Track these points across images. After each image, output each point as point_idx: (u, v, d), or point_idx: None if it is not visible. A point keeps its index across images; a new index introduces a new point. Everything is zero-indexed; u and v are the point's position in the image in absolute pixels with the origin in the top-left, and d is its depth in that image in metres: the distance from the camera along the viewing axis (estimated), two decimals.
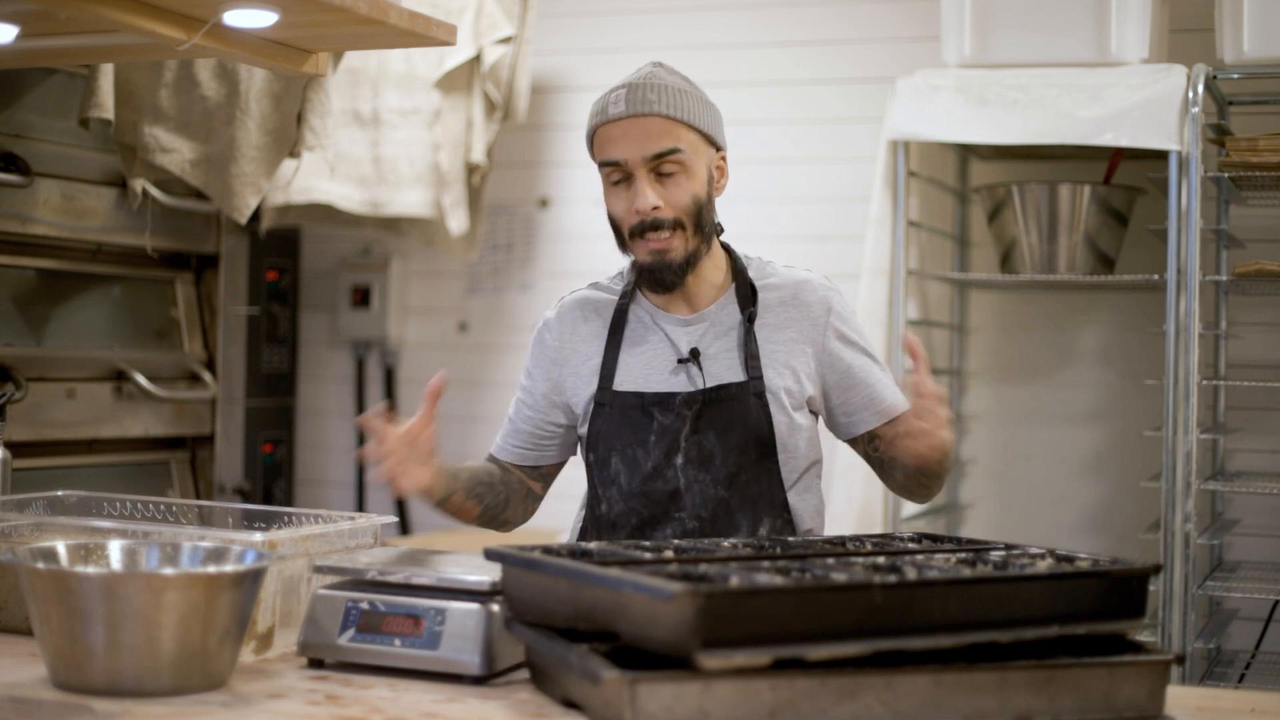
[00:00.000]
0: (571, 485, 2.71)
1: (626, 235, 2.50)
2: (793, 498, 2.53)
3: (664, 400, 2.49)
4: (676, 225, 2.47)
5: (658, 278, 2.50)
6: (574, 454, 2.67)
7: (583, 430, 2.56)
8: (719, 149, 2.56)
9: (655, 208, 2.45)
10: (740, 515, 2.49)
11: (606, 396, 2.53)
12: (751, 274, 2.58)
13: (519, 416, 2.63)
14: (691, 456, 2.48)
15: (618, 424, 2.51)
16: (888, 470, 2.58)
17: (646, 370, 2.53)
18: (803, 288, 2.57)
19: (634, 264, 2.56)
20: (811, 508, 2.58)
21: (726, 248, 2.61)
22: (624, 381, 2.53)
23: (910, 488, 2.55)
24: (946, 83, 3.81)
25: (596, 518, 2.56)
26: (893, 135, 3.84)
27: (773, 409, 2.49)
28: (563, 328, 2.61)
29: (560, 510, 2.83)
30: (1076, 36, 3.75)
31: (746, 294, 2.56)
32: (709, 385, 2.50)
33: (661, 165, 2.46)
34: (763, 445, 2.49)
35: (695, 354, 2.51)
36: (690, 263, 2.50)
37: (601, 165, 2.51)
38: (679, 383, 2.51)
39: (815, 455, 2.59)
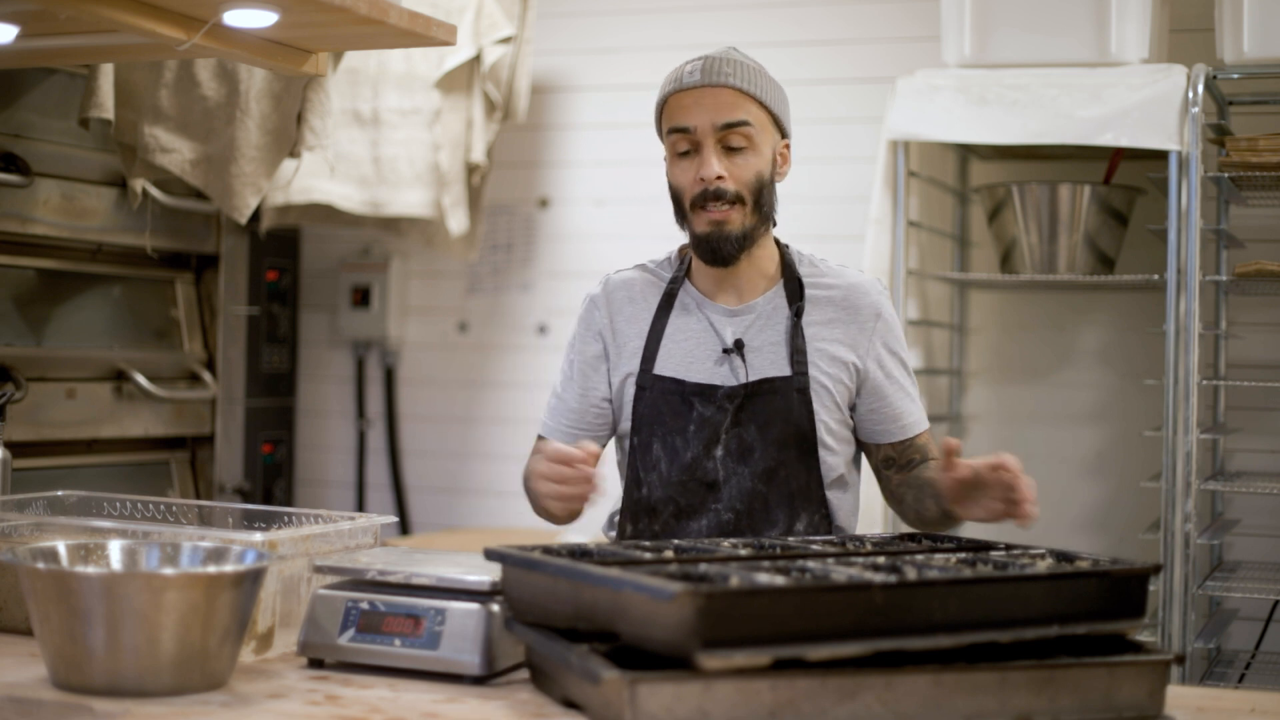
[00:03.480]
0: None
1: (688, 206, 2.50)
2: (831, 495, 2.54)
3: (705, 392, 2.50)
4: (737, 199, 2.48)
5: (715, 248, 2.50)
6: (613, 433, 2.66)
7: (625, 412, 2.57)
8: (784, 135, 2.58)
9: (720, 177, 2.47)
10: (777, 510, 2.49)
11: (647, 380, 2.54)
12: (802, 270, 2.59)
13: (570, 395, 2.62)
14: (731, 449, 2.49)
15: (658, 410, 2.52)
16: (891, 485, 2.61)
17: (688, 358, 2.53)
18: (855, 290, 2.58)
19: (689, 242, 2.56)
20: (848, 505, 2.59)
21: (778, 242, 2.62)
22: (664, 366, 2.54)
23: (920, 522, 2.56)
24: (946, 83, 3.81)
25: (635, 500, 2.56)
26: (893, 135, 3.84)
27: (815, 405, 2.50)
28: (611, 305, 2.62)
29: None
30: (1076, 36, 3.75)
31: (795, 288, 2.56)
32: (751, 379, 2.50)
33: (729, 137, 2.48)
34: (804, 441, 2.49)
35: (739, 345, 2.52)
36: (747, 239, 2.51)
37: (669, 133, 2.52)
38: (721, 374, 2.51)
39: (852, 453, 2.60)
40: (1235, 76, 3.72)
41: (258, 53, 2.91)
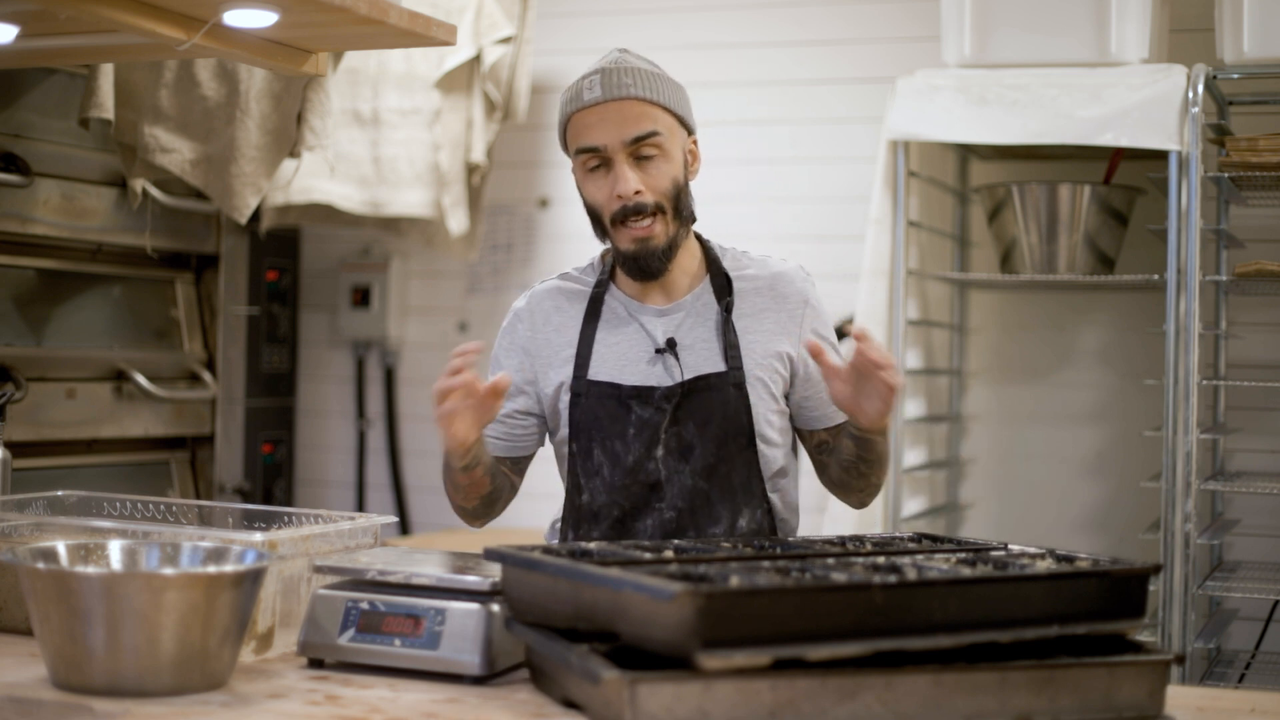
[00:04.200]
0: (554, 483, 2.69)
1: (608, 223, 2.49)
2: (772, 487, 2.54)
3: (642, 394, 2.49)
4: (658, 210, 2.47)
5: (642, 265, 2.49)
6: (543, 444, 2.65)
7: (562, 420, 2.55)
8: (690, 132, 2.56)
9: (637, 192, 2.44)
10: (720, 506, 2.49)
11: (582, 386, 2.52)
12: (726, 264, 2.58)
13: None
14: (671, 448, 2.48)
15: (595, 415, 2.50)
16: (825, 463, 2.59)
17: (622, 361, 2.52)
18: (780, 279, 2.57)
19: (612, 253, 2.56)
20: (789, 502, 2.59)
21: (699, 237, 2.60)
22: (599, 371, 2.52)
23: (847, 477, 2.53)
24: (946, 83, 3.81)
25: (577, 507, 2.55)
26: (893, 135, 3.84)
27: (752, 399, 2.50)
28: (534, 318, 2.60)
29: (543, 510, 2.82)
30: (1076, 36, 3.75)
31: (722, 284, 2.56)
32: (687, 377, 2.49)
33: (640, 149, 2.45)
34: (742, 436, 2.49)
35: (672, 344, 2.51)
36: (673, 249, 2.50)
37: (578, 153, 2.49)
38: (656, 374, 2.50)
39: (791, 442, 2.61)
40: (1235, 76, 3.72)
41: (258, 53, 2.91)
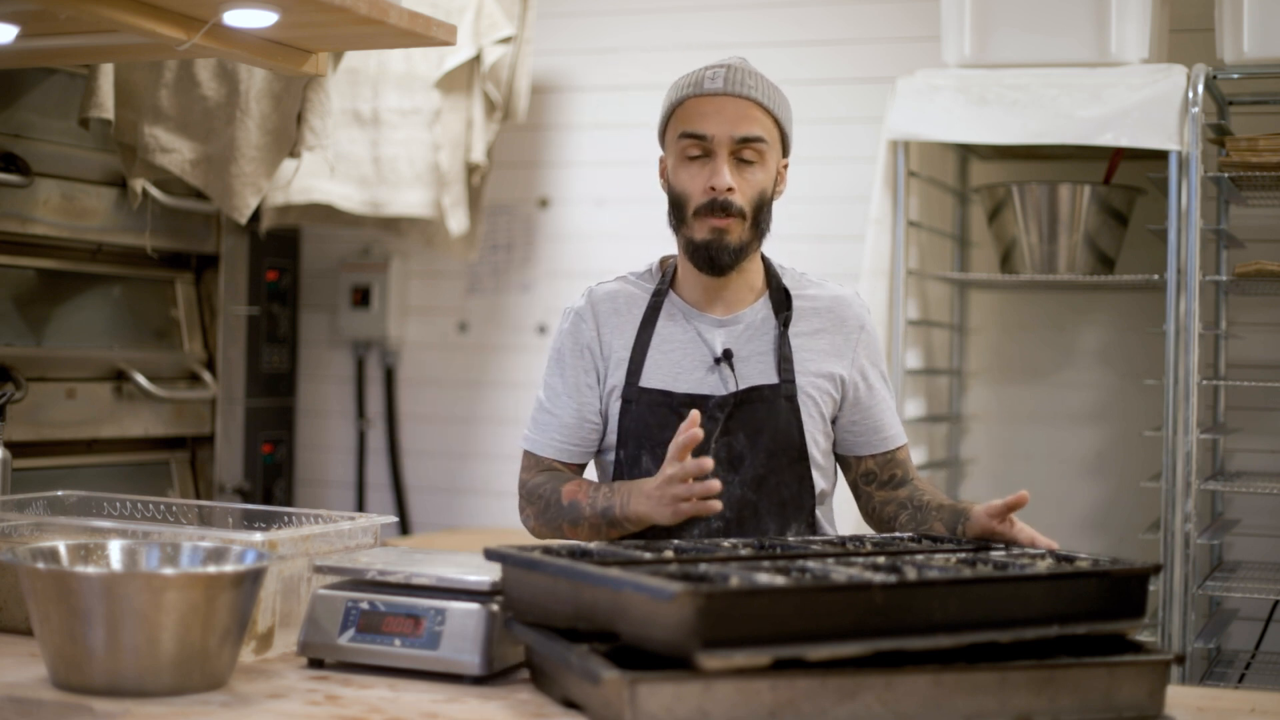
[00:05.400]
0: None
1: (690, 212, 2.49)
2: (818, 508, 2.53)
3: (696, 402, 2.47)
4: (740, 214, 2.47)
5: (713, 256, 2.48)
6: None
7: (610, 426, 2.55)
8: (786, 154, 2.57)
9: (729, 189, 2.45)
10: (768, 519, 2.48)
11: (633, 393, 2.51)
12: (787, 282, 2.59)
13: (562, 410, 2.58)
14: (721, 457, 2.47)
15: (645, 422, 2.50)
16: (870, 494, 2.59)
17: (676, 369, 2.52)
18: (839, 303, 2.59)
19: (681, 250, 2.54)
20: (828, 519, 2.58)
21: (761, 255, 2.61)
22: (651, 378, 2.52)
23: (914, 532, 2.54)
24: (946, 83, 3.81)
25: None
26: (893, 135, 3.84)
27: (803, 414, 2.50)
28: (597, 318, 2.59)
29: None
30: (1076, 36, 3.76)
31: (781, 300, 2.56)
32: (741, 387, 2.49)
33: (744, 151, 2.47)
34: (793, 449, 2.49)
35: (728, 355, 2.51)
36: (743, 252, 2.50)
37: (682, 136, 2.49)
38: (710, 383, 2.50)
39: (834, 467, 2.60)
40: (1235, 76, 3.72)
41: (258, 53, 2.91)
